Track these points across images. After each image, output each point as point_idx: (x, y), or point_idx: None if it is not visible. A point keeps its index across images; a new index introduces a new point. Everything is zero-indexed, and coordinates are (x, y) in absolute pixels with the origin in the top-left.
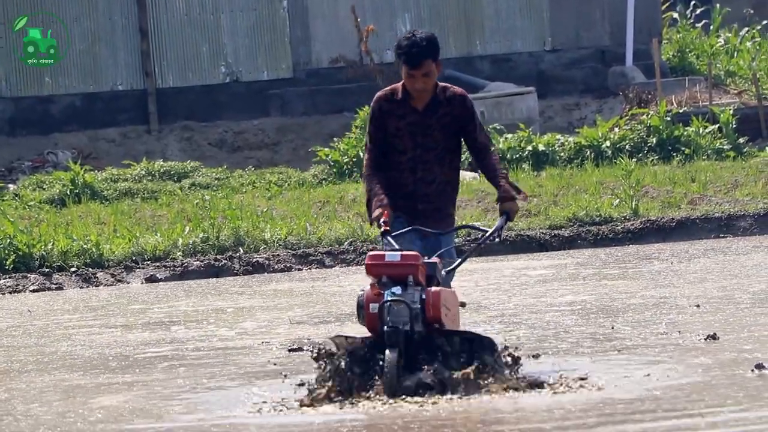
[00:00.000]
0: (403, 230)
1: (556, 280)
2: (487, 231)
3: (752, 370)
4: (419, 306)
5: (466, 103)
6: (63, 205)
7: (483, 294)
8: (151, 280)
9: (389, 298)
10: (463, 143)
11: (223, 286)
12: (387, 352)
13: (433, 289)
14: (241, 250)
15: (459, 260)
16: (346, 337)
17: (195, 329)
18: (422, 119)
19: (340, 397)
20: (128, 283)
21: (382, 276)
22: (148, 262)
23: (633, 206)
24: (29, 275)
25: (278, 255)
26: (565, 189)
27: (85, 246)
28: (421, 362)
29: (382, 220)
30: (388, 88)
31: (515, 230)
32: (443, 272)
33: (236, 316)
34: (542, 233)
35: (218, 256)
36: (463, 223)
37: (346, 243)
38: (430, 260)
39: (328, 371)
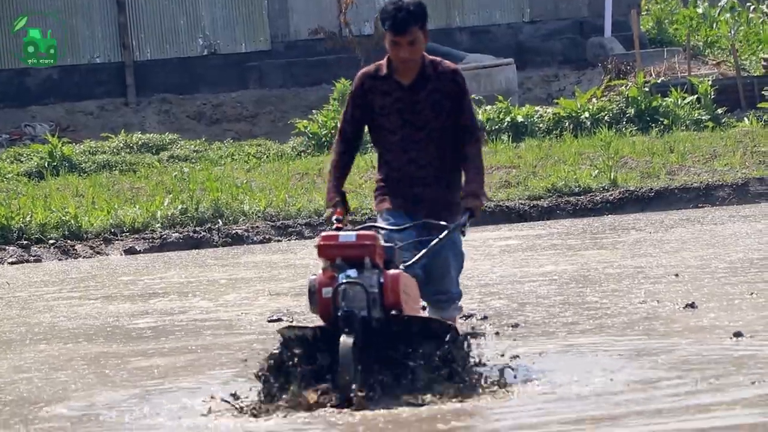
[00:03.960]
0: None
1: (535, 250)
2: (449, 227)
3: (730, 338)
4: (377, 290)
5: (457, 80)
6: (41, 177)
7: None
8: (130, 252)
9: (344, 281)
10: None
11: (202, 258)
12: (342, 338)
13: (392, 272)
14: (221, 222)
15: (418, 255)
16: (295, 328)
17: (176, 301)
18: (409, 95)
19: (285, 400)
20: (107, 255)
21: (335, 258)
22: (127, 234)
23: (612, 177)
24: (7, 247)
25: (257, 227)
26: (543, 160)
27: (63, 218)
28: (379, 355)
29: (334, 218)
30: (373, 64)
31: (494, 201)
32: (401, 267)
33: (217, 287)
34: (521, 204)
35: (197, 228)
36: None
37: (325, 215)
38: (387, 244)
39: (273, 370)
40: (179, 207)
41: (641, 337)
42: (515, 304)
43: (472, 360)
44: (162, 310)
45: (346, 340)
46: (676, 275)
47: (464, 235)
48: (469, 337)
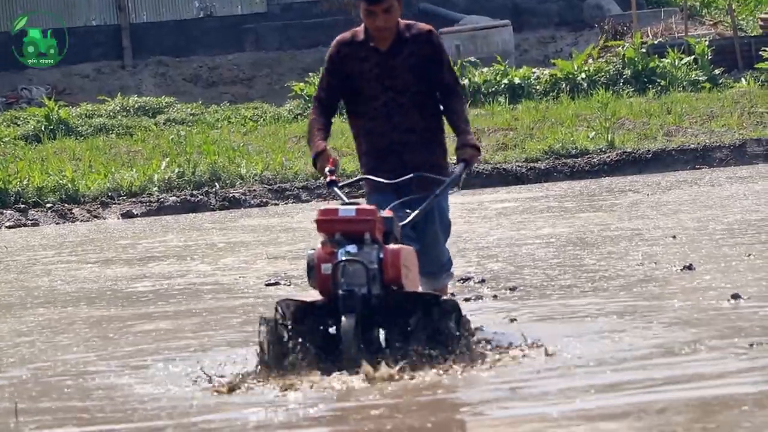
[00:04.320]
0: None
1: (532, 213)
2: (444, 180)
3: (728, 300)
4: (377, 266)
5: (433, 40)
6: (38, 141)
7: (460, 227)
8: (128, 215)
9: (343, 258)
10: None
11: (199, 221)
12: (343, 319)
13: (392, 247)
14: (217, 186)
15: (415, 213)
16: (293, 301)
17: (174, 265)
18: (386, 60)
19: (276, 377)
20: (104, 218)
21: (335, 233)
22: (124, 198)
23: (609, 138)
24: (4, 211)
25: (254, 190)
26: (540, 122)
27: (60, 182)
28: (379, 333)
29: (327, 169)
30: (349, 31)
31: (491, 163)
32: (399, 224)
33: (215, 251)
34: (518, 166)
35: (194, 192)
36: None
37: (322, 178)
38: (386, 215)
39: (267, 344)
40: (176, 170)
41: (638, 299)
42: (513, 267)
43: (471, 329)
44: (160, 273)
45: (347, 320)
46: (674, 237)
47: (459, 188)
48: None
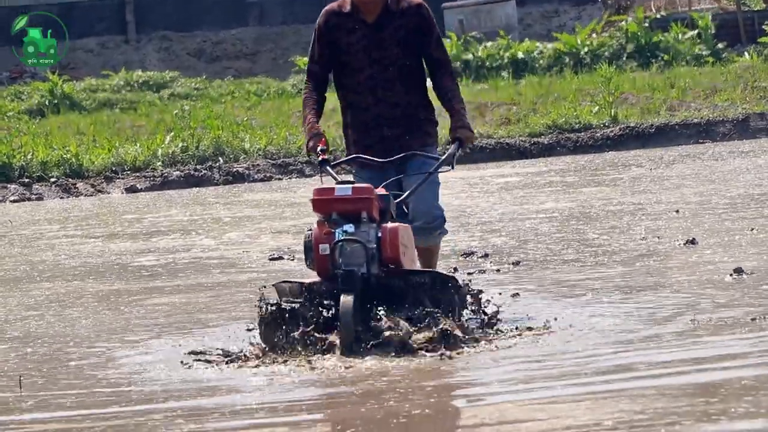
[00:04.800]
0: (349, 158)
1: (535, 187)
2: (438, 158)
3: (731, 275)
4: (375, 245)
5: (422, 13)
6: (42, 115)
7: (464, 202)
8: (132, 190)
9: (341, 238)
10: None
11: (203, 196)
12: (342, 298)
13: (390, 225)
14: (221, 160)
15: (407, 192)
16: (292, 282)
17: (178, 239)
18: (374, 33)
19: (275, 359)
20: (108, 193)
21: (331, 213)
22: (128, 173)
23: (612, 113)
24: (9, 186)
25: (258, 165)
26: (544, 97)
27: (64, 156)
28: (378, 312)
29: (319, 148)
30: (336, 1)
31: (495, 138)
32: (394, 201)
33: (220, 226)
34: (522, 141)
35: (198, 166)
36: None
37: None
38: (382, 193)
39: (265, 324)
40: (180, 145)
41: (641, 274)
42: (516, 242)
43: (472, 307)
44: (165, 248)
45: (346, 299)
46: (677, 211)
47: (453, 168)
48: (468, 284)
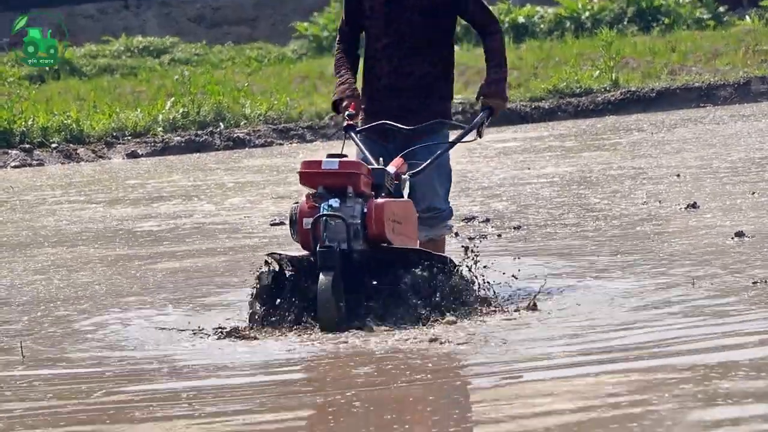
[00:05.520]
0: (373, 124)
1: (536, 152)
2: (464, 127)
3: (732, 238)
4: (360, 221)
5: None
6: (42, 81)
7: (465, 167)
8: (133, 155)
9: (325, 212)
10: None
11: (204, 161)
12: (320, 276)
13: (377, 201)
14: (222, 126)
15: (426, 162)
16: (284, 256)
17: (180, 205)
18: (396, 1)
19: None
20: (109, 159)
21: (317, 186)
22: (129, 138)
23: (613, 77)
24: (10, 151)
25: (259, 130)
26: (545, 61)
27: (65, 122)
28: (364, 293)
29: (347, 112)
30: None
31: None
32: (407, 175)
33: (223, 191)
34: (523, 105)
35: (199, 132)
36: None
37: (326, 118)
38: (377, 167)
39: (258, 297)
40: (181, 110)
41: (642, 238)
42: (517, 207)
43: (464, 285)
44: (167, 213)
45: (324, 277)
46: (678, 175)
47: (481, 137)
48: (463, 262)
